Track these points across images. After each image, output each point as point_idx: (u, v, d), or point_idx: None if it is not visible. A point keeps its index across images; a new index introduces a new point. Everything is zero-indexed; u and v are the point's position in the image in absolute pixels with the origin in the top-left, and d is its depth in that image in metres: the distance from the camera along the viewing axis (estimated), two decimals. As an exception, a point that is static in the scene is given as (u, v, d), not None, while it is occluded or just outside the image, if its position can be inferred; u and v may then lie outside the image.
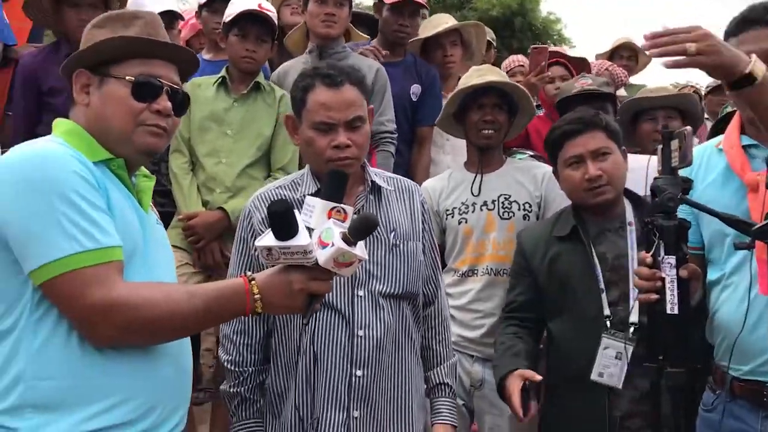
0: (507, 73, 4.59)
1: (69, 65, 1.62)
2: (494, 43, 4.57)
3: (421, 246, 2.08)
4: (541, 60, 3.57)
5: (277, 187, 2.06)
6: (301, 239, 1.44)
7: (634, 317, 2.22)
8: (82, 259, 1.38)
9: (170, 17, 3.41)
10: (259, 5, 3.12)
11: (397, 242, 2.01)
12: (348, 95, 1.93)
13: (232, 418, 2.04)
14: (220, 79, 3.18)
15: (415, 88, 3.59)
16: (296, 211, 1.47)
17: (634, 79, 5.78)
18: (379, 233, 1.98)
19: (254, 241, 1.90)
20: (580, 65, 4.49)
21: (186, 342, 1.61)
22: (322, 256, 1.45)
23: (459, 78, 3.80)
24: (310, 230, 1.48)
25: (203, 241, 2.99)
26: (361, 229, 1.48)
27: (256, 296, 1.47)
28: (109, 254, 1.42)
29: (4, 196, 1.40)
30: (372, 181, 2.04)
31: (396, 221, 2.04)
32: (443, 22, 3.78)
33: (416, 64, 3.66)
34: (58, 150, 1.47)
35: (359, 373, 1.91)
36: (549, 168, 2.82)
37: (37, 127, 3.10)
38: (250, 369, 1.99)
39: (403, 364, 2.00)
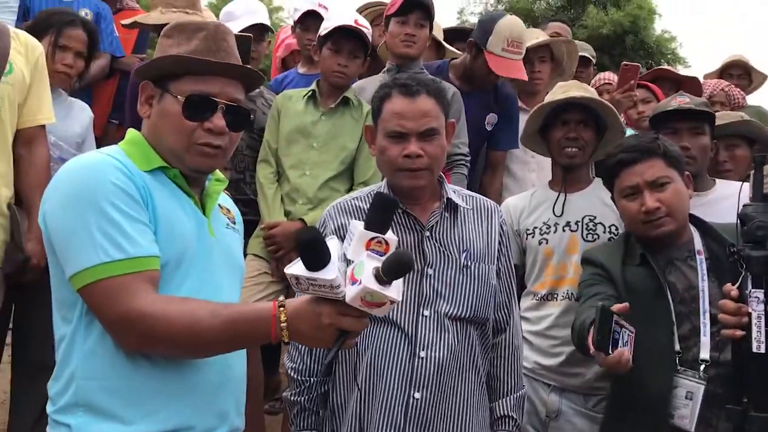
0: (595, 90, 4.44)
1: (137, 76, 1.65)
2: (593, 60, 4.41)
3: (495, 269, 2.02)
4: (630, 78, 3.45)
5: (353, 198, 2.06)
6: (329, 273, 1.32)
7: (705, 354, 2.05)
8: (110, 269, 1.41)
9: (260, 30, 3.48)
10: (355, 21, 3.14)
11: (469, 263, 1.96)
12: (423, 105, 1.93)
13: (291, 425, 2.04)
14: (310, 93, 3.23)
15: (491, 118, 3.51)
16: (335, 240, 1.38)
17: (749, 99, 5.44)
18: (450, 252, 1.95)
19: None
20: (690, 85, 4.28)
21: (239, 351, 1.61)
22: (349, 293, 1.33)
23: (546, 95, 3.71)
24: (348, 261, 1.38)
25: (282, 251, 3.03)
26: (394, 268, 1.32)
27: (282, 324, 1.39)
28: (138, 264, 1.43)
29: (53, 206, 1.47)
30: (448, 198, 2.00)
31: (470, 241, 1.99)
32: (533, 37, 3.69)
33: (495, 90, 3.52)
34: (103, 161, 1.50)
35: (418, 395, 1.87)
36: None
37: None
38: (312, 379, 1.99)
39: (465, 390, 1.93)
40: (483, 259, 1.99)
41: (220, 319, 1.40)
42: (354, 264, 1.36)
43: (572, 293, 2.63)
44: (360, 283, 1.31)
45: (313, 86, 3.25)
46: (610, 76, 4.50)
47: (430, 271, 1.94)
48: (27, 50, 2.64)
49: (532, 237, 2.75)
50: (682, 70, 23.72)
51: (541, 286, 2.71)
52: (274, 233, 3.02)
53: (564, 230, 2.69)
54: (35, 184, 2.60)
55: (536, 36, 3.71)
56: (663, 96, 3.66)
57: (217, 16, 3.71)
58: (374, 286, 1.30)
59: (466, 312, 1.93)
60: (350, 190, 3.13)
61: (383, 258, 1.34)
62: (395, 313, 1.88)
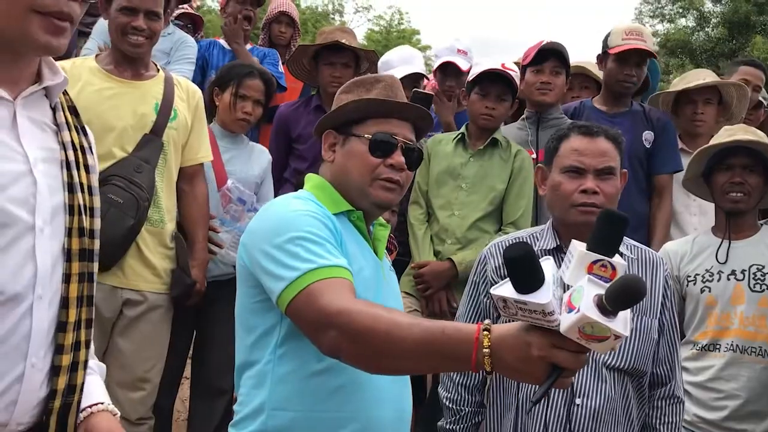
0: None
1: (320, 126, 1.78)
2: (765, 103, 4.15)
3: (657, 324, 1.97)
4: None
5: (515, 237, 2.10)
6: (541, 296, 1.13)
7: None
8: (315, 275, 1.44)
9: (416, 77, 3.63)
10: (502, 65, 3.21)
11: (631, 315, 1.91)
12: (602, 145, 1.98)
13: None
14: (459, 135, 3.30)
15: (648, 135, 3.44)
16: (550, 261, 1.20)
17: None
18: None
19: (486, 287, 2.02)
20: None
21: (407, 389, 1.67)
22: (565, 323, 1.13)
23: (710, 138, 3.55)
24: (566, 286, 1.20)
25: (431, 289, 3.09)
26: (622, 297, 1.11)
27: (485, 350, 1.20)
28: (340, 271, 1.47)
29: (256, 238, 1.56)
30: None
31: None
32: (699, 78, 3.55)
33: (644, 111, 3.51)
34: (304, 200, 1.63)
35: None
36: None
37: (284, 171, 3.51)
38: (467, 409, 2.03)
39: None
40: (645, 312, 1.95)
41: (419, 330, 1.28)
42: (572, 289, 1.16)
43: (738, 345, 2.49)
44: (578, 311, 1.11)
45: (463, 129, 3.32)
46: None
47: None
48: (188, 95, 2.88)
49: (694, 284, 2.62)
50: None
51: (702, 335, 2.57)
52: (423, 272, 3.09)
53: (729, 279, 2.55)
54: (197, 217, 2.88)
55: (703, 77, 3.56)
56: None
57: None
58: (596, 316, 1.10)
59: (625, 363, 1.90)
60: (499, 230, 3.15)
61: (608, 284, 1.13)
62: None
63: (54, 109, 1.29)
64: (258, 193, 3.22)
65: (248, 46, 4.48)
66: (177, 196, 2.85)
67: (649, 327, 1.94)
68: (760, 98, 4.09)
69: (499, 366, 1.21)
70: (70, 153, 1.27)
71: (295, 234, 1.50)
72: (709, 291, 2.57)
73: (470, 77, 3.29)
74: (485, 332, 1.22)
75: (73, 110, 1.34)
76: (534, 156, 3.26)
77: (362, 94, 1.74)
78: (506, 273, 1.17)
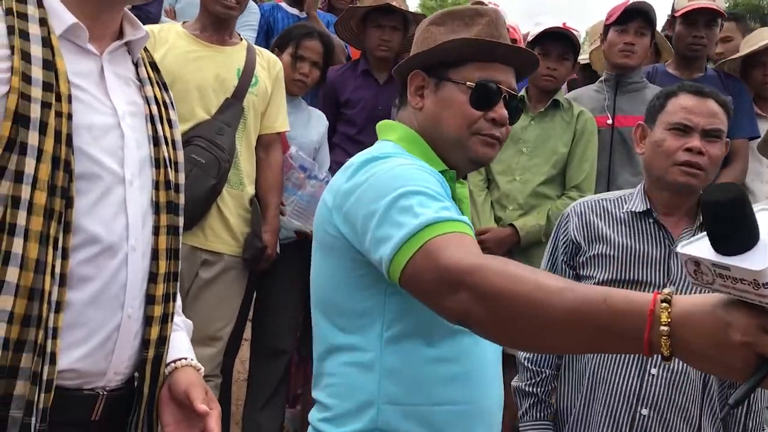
0: None
1: (405, 66, 1.51)
2: None
3: None
4: None
5: (602, 199, 2.04)
6: (755, 261, 0.82)
7: None
8: (434, 229, 1.18)
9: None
10: (564, 24, 3.12)
11: None
12: (712, 107, 1.91)
13: (522, 417, 2.02)
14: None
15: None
16: (766, 213, 0.88)
17: None
18: None
19: (566, 248, 2.00)
20: None
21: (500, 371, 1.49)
22: None
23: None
24: None
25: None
26: None
27: (663, 329, 0.90)
28: (463, 226, 1.21)
29: (358, 200, 1.30)
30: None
31: None
32: (765, 37, 3.37)
33: (720, 77, 3.38)
34: (405, 154, 1.41)
35: (645, 411, 1.79)
36: None
37: (333, 136, 3.49)
38: (547, 371, 1.99)
39: (696, 416, 1.82)
40: None
41: (573, 296, 0.98)
42: None
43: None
44: None
45: (522, 91, 3.23)
46: None
47: (672, 288, 1.85)
48: (269, 65, 2.93)
49: None
50: None
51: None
52: (485, 239, 3.03)
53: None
54: (272, 184, 2.93)
55: (766, 36, 3.38)
56: None
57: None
58: None
59: None
60: (561, 195, 3.07)
61: None
62: None
63: (136, 65, 1.31)
64: (315, 159, 3.21)
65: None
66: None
67: None
68: None
69: (682, 351, 0.91)
70: (154, 107, 1.29)
71: (407, 189, 1.25)
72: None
73: (530, 37, 3.19)
74: (664, 304, 0.91)
75: (154, 66, 1.36)
76: (610, 122, 3.16)
77: (460, 30, 1.46)
78: (706, 223, 0.87)
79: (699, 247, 0.88)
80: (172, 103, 1.37)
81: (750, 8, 21.45)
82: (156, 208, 1.26)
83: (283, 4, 4.44)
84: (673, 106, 1.91)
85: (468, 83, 1.43)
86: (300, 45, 3.12)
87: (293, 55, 3.13)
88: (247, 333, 3.33)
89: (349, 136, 3.57)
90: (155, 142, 1.28)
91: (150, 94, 1.30)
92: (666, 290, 0.92)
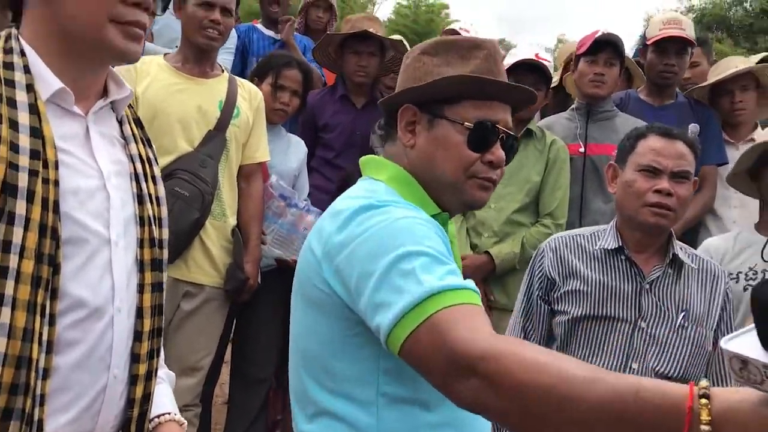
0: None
1: (395, 99, 1.42)
2: None
3: (712, 336, 1.97)
4: None
5: (576, 235, 2.10)
6: None
7: None
8: (440, 300, 1.08)
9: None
10: (536, 55, 3.20)
11: (686, 324, 1.94)
12: (680, 148, 1.98)
13: None
14: (493, 126, 3.25)
15: (693, 127, 3.41)
16: None
17: None
18: (667, 309, 1.94)
19: (541, 283, 2.05)
20: None
21: None
22: None
23: (755, 125, 3.48)
24: None
25: (470, 284, 3.08)
26: None
27: (704, 428, 0.83)
28: (471, 296, 1.11)
29: (352, 256, 1.20)
30: (674, 254, 1.99)
31: (690, 302, 1.96)
32: (732, 65, 3.48)
33: (690, 104, 3.50)
34: (389, 194, 1.32)
35: None
36: None
37: (311, 161, 3.53)
38: None
39: None
40: (701, 322, 1.95)
41: (603, 389, 0.90)
42: None
43: (781, 345, 2.44)
44: None
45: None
46: None
47: (643, 325, 1.94)
48: (250, 96, 2.97)
49: (736, 282, 2.57)
50: None
51: (745, 334, 2.53)
52: (462, 266, 3.07)
53: (773, 277, 2.51)
54: (253, 214, 2.96)
55: (735, 64, 3.49)
56: None
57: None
58: None
59: (675, 371, 1.90)
60: (536, 222, 3.13)
61: None
62: (602, 362, 1.90)
63: (120, 122, 1.32)
64: (295, 186, 3.25)
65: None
66: None
67: (704, 337, 1.95)
68: None
69: None
70: (138, 165, 1.31)
71: (408, 249, 1.14)
72: (752, 289, 2.53)
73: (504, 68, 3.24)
74: (703, 401, 0.84)
75: (138, 122, 1.38)
76: (582, 150, 3.23)
77: (455, 63, 1.38)
78: (756, 319, 0.81)
79: (746, 344, 0.82)
80: (155, 158, 1.39)
81: (717, 19, 21.90)
82: (141, 266, 1.27)
83: (259, 26, 4.48)
84: (643, 147, 1.99)
85: (465, 123, 1.34)
86: (280, 74, 3.17)
87: (273, 84, 3.17)
88: (227, 355, 3.34)
89: (327, 160, 3.62)
90: (140, 200, 1.29)
91: (134, 151, 1.31)
92: (702, 383, 0.85)
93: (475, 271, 3.05)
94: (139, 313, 1.26)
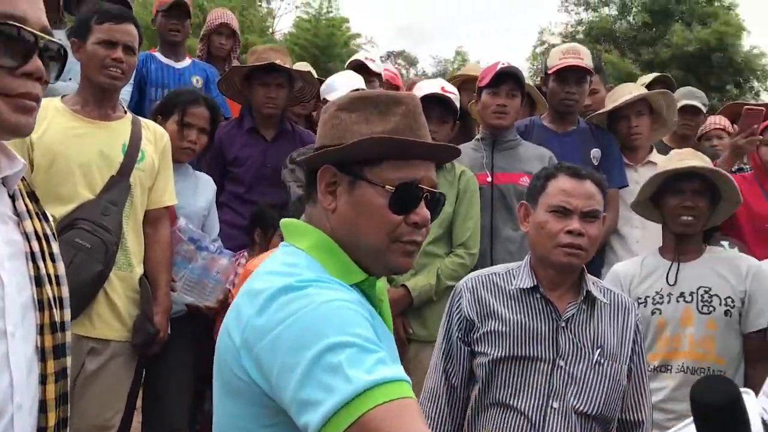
0: (703, 136, 4.33)
1: (313, 160, 1.35)
2: (704, 109, 4.30)
3: (626, 369, 2.02)
4: (753, 123, 3.41)
5: (492, 273, 2.13)
6: None
7: None
8: (371, 397, 1.04)
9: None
10: (442, 87, 3.21)
11: (602, 361, 1.99)
12: (589, 188, 2.02)
13: None
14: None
15: (595, 152, 3.55)
16: (751, 397, 0.85)
17: None
18: (584, 346, 1.98)
19: (460, 324, 2.07)
20: None
21: None
22: None
23: (651, 148, 3.65)
24: None
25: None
26: None
27: None
28: (402, 388, 1.07)
29: (273, 345, 1.13)
30: (588, 291, 2.04)
31: (605, 338, 2.01)
32: (626, 92, 3.65)
33: (591, 129, 3.63)
34: (313, 268, 1.25)
35: None
36: (754, 261, 2.68)
37: (220, 195, 3.43)
38: None
39: None
40: (616, 358, 2.00)
41: None
42: None
43: (688, 366, 2.57)
44: None
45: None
46: (721, 121, 4.42)
47: (562, 363, 1.97)
48: (155, 138, 2.83)
49: (645, 306, 2.68)
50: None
51: (653, 356, 2.64)
52: (379, 300, 3.06)
53: (678, 301, 2.62)
54: (161, 261, 2.82)
55: (629, 91, 3.66)
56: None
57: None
58: None
59: (594, 409, 1.94)
60: (449, 253, 3.15)
61: None
62: (523, 402, 1.92)
63: (13, 198, 1.22)
64: (204, 226, 3.14)
65: (188, 59, 4.38)
66: None
67: (619, 372, 1.99)
68: (698, 104, 4.23)
69: None
70: (35, 243, 1.21)
71: (333, 340, 1.08)
72: (660, 313, 2.64)
73: None
74: None
75: (32, 196, 1.28)
76: (489, 179, 3.28)
77: (374, 120, 1.32)
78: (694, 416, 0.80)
79: None
80: (53, 233, 1.29)
81: (604, 32, 23.01)
82: (42, 354, 1.18)
83: (158, 54, 4.32)
84: (553, 188, 2.03)
85: (387, 187, 1.28)
86: (186, 112, 3.05)
87: (179, 122, 3.05)
88: (138, 401, 3.18)
89: (237, 195, 3.53)
90: (38, 282, 1.20)
91: (29, 229, 1.22)
92: None
93: (394, 305, 3.03)
94: (43, 407, 1.17)
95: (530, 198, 2.11)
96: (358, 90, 3.31)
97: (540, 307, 2.04)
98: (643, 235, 3.40)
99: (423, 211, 1.31)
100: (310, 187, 1.37)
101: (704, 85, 20.22)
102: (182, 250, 2.92)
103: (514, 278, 2.08)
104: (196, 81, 4.27)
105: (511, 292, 2.06)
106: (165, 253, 2.83)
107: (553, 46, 24.59)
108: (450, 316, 2.12)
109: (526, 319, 2.02)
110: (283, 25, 28.74)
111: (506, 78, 3.27)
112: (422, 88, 3.25)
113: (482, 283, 2.10)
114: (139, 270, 2.75)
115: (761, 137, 3.47)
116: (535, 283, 2.04)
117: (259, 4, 26.59)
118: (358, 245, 1.31)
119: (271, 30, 26.72)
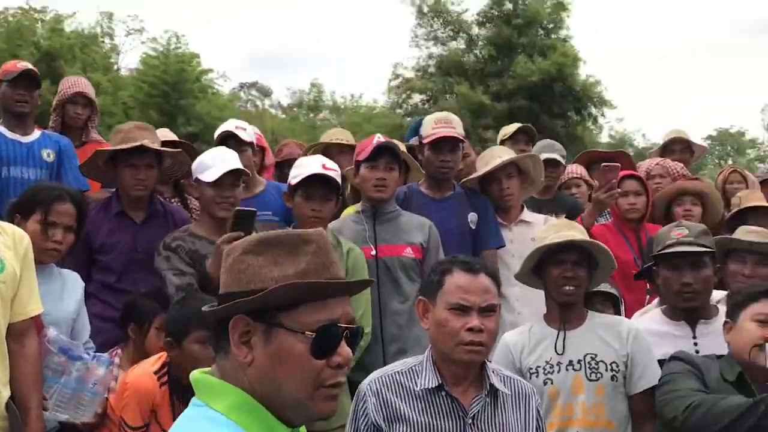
0: (562, 185, 4.59)
1: (223, 312, 1.27)
2: (563, 161, 4.55)
3: None
4: (611, 177, 3.69)
5: (395, 372, 2.11)
6: None
7: None
8: None
9: (236, 175, 3.37)
10: (323, 165, 3.17)
11: None
12: (485, 282, 2.05)
13: None
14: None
15: (472, 216, 3.64)
16: None
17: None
18: None
19: (367, 429, 2.04)
20: (621, 158, 4.54)
21: None
22: None
23: (522, 206, 3.80)
24: None
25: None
26: None
27: None
28: None
29: None
30: (491, 384, 2.06)
31: (510, 430, 2.04)
32: (496, 156, 3.79)
33: (467, 194, 3.73)
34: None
35: None
36: (633, 323, 2.83)
37: (88, 285, 3.17)
38: None
39: None
40: None
41: None
42: None
43: (583, 435, 2.64)
44: None
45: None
46: (577, 170, 4.71)
47: None
48: (15, 242, 2.57)
49: (536, 376, 2.74)
50: (608, 112, 24.48)
51: (549, 426, 2.68)
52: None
53: (567, 369, 2.71)
54: (30, 380, 2.55)
55: (499, 155, 3.81)
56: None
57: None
58: None
59: None
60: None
61: None
62: None
63: None
64: (73, 329, 2.88)
65: (37, 132, 4.04)
66: None
67: None
68: (558, 157, 4.46)
69: None
70: None
71: None
72: (552, 383, 2.71)
73: (292, 181, 3.20)
74: None
75: None
76: (373, 252, 3.27)
77: (284, 262, 1.26)
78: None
79: None
80: None
81: (454, 65, 24.03)
82: None
83: (1, 128, 3.97)
84: (450, 284, 2.06)
85: (307, 333, 1.23)
86: (50, 210, 2.79)
87: (43, 221, 2.78)
88: None
89: (106, 285, 3.29)
90: None
91: None
92: None
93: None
94: None
95: (427, 293, 2.12)
96: (234, 170, 3.21)
97: (446, 405, 2.04)
98: (522, 293, 3.50)
99: (345, 350, 1.26)
100: (220, 338, 1.28)
101: (548, 113, 21.73)
102: (52, 363, 2.64)
103: (418, 376, 2.07)
104: (47, 155, 3.96)
105: (417, 392, 2.06)
106: (34, 369, 2.56)
107: (407, 80, 25.65)
108: (356, 422, 2.08)
109: (433, 420, 2.02)
110: (128, 61, 27.62)
111: (384, 152, 3.29)
112: (302, 168, 3.19)
113: (386, 384, 2.07)
114: (5, 393, 2.47)
115: (619, 190, 3.76)
116: (440, 382, 2.05)
117: (102, 40, 25.46)
118: (280, 399, 1.24)
119: (116, 67, 25.66)
